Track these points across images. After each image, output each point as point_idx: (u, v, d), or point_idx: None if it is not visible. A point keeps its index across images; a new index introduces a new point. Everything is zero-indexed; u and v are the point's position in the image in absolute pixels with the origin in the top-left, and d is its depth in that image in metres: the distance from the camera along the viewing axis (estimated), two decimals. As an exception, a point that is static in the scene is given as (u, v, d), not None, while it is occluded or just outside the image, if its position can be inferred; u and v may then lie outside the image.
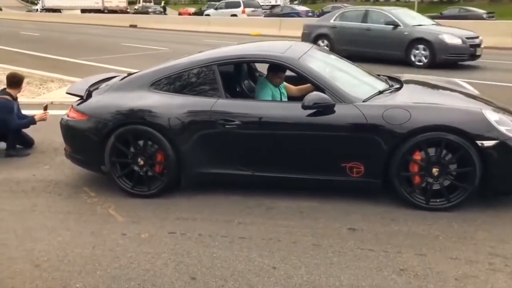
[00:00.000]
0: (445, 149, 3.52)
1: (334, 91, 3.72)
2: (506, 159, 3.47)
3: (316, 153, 3.75)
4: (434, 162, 3.56)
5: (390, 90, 4.15)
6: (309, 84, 4.21)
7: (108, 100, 4.11)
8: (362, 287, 2.74)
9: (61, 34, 24.55)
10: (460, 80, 5.19)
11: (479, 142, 3.42)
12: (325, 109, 3.63)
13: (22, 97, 5.98)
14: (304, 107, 3.63)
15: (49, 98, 8.17)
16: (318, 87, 3.80)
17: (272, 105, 3.98)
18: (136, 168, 4.01)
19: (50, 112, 5.44)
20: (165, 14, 38.34)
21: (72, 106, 4.31)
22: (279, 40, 5.84)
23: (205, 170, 3.93)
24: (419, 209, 3.65)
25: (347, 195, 3.90)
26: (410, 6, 37.13)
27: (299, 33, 19.34)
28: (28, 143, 5.48)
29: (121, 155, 4.01)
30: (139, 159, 3.97)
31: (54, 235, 3.43)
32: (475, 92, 4.73)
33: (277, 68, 4.23)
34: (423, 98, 4.04)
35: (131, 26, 30.41)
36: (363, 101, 3.73)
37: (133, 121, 3.91)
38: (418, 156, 3.58)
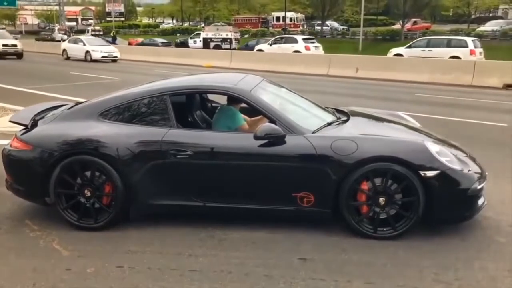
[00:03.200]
0: (391, 179, 3.66)
1: (285, 123, 3.80)
2: (447, 188, 3.64)
3: (268, 183, 3.78)
4: (380, 192, 3.68)
5: (338, 122, 4.28)
6: (261, 116, 4.28)
7: (54, 130, 3.98)
8: (313, 317, 2.75)
9: (7, 62, 23.70)
10: (402, 113, 5.45)
11: (422, 173, 3.58)
12: (276, 140, 3.70)
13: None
14: (256, 138, 3.68)
15: (-11, 127, 7.79)
16: (269, 119, 3.87)
17: (224, 135, 3.99)
18: (82, 199, 3.88)
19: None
20: (115, 44, 38.04)
21: (15, 135, 4.14)
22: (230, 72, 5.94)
23: (156, 202, 3.87)
24: (368, 238, 3.73)
25: (299, 225, 3.94)
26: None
27: (249, 65, 19.76)
28: (-35, 174, 5.18)
29: (67, 187, 3.88)
30: (86, 191, 3.85)
31: (-9, 272, 3.23)
32: (416, 124, 4.99)
33: (232, 99, 4.30)
34: (369, 130, 4.20)
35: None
36: (313, 133, 3.83)
37: (81, 151, 3.81)
38: (365, 186, 3.68)
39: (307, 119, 4.17)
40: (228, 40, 36.04)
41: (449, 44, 21.29)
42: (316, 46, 27.66)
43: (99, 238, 3.78)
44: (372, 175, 3.64)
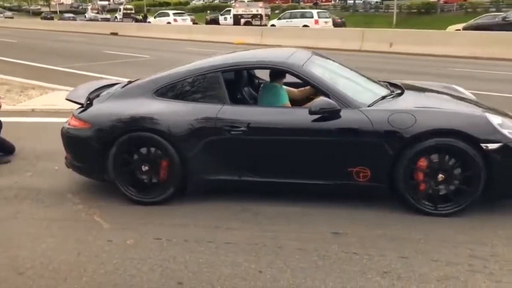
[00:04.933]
0: (450, 153, 3.57)
1: (339, 97, 3.78)
2: (509, 161, 3.52)
3: (322, 158, 3.79)
4: (439, 167, 3.61)
5: (392, 95, 4.21)
6: (309, 87, 4.28)
7: (111, 108, 4.09)
8: (347, 289, 2.79)
9: (41, 41, 24.29)
10: (456, 86, 5.22)
11: (483, 145, 3.47)
12: (331, 114, 3.68)
13: (2, 105, 5.91)
14: (311, 113, 3.68)
15: (30, 105, 8.08)
16: (323, 93, 3.85)
17: (278, 111, 4.00)
18: (140, 175, 4.00)
19: (32, 119, 5.39)
20: (147, 22, 38.33)
21: (73, 114, 4.26)
22: (265, 48, 5.90)
23: (211, 177, 3.94)
24: (403, 214, 3.73)
25: (332, 200, 3.96)
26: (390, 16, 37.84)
27: (281, 41, 19.58)
28: (8, 150, 5.42)
29: (125, 163, 3.99)
30: (143, 167, 3.97)
31: (38, 242, 3.40)
32: (472, 97, 4.80)
33: (279, 74, 4.32)
34: (425, 103, 4.10)
35: (112, 33, 30.25)
36: (368, 106, 3.79)
37: (138, 128, 3.90)
38: (423, 161, 3.62)
39: (360, 93, 4.09)
40: (259, 16, 35.69)
41: (302, 16, 26.87)
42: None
43: (137, 212, 3.92)
44: (431, 149, 3.57)
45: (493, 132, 3.52)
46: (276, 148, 3.83)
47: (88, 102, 4.23)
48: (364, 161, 3.70)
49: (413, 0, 43.32)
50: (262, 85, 4.69)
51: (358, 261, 3.08)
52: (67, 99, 4.49)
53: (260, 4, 38.21)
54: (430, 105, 3.99)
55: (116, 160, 3.96)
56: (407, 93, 4.29)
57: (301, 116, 3.76)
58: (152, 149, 3.93)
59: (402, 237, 3.40)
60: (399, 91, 4.34)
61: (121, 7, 54.61)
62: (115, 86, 4.59)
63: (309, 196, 4.01)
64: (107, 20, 48.43)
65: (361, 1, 50.35)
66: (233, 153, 3.88)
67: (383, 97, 4.10)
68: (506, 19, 20.56)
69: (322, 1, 52.65)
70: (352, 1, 48.85)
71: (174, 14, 37.19)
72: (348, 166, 3.74)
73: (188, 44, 22.32)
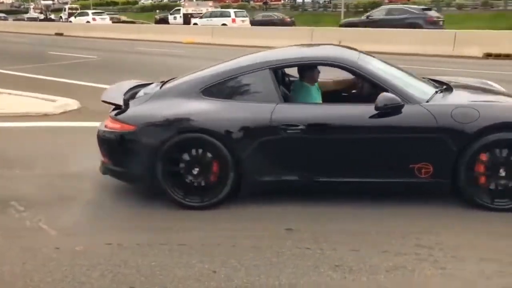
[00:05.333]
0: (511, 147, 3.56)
1: (400, 92, 3.69)
2: None
3: (383, 155, 3.71)
4: (501, 162, 3.58)
5: (442, 91, 4.10)
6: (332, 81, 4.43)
7: (156, 109, 3.90)
8: (300, 285, 2.82)
9: (-21, 42, 23.08)
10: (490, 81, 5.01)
11: None
12: (394, 110, 3.61)
13: None
14: (378, 109, 3.60)
15: (-32, 109, 7.64)
16: (382, 88, 3.73)
17: (337, 108, 3.91)
18: (190, 178, 3.80)
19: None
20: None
21: (111, 116, 4.02)
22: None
23: (266, 178, 3.80)
24: (353, 208, 3.82)
25: (283, 196, 3.99)
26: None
27: (231, 40, 19.56)
28: None
29: (175, 166, 3.80)
30: (194, 169, 3.78)
31: (-21, 253, 3.23)
32: (505, 90, 4.67)
33: (304, 74, 4.28)
34: (480, 98, 4.08)
35: (57, 34, 29.18)
36: (426, 101, 3.74)
37: (189, 129, 3.76)
38: (485, 156, 3.58)
39: (415, 88, 3.96)
40: (209, 16, 35.59)
41: (222, 15, 29.07)
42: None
43: (87, 217, 3.80)
44: (494, 143, 3.54)
45: None
46: (336, 146, 3.75)
47: (125, 103, 4.02)
48: (427, 157, 3.64)
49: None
50: (293, 83, 4.59)
51: (311, 256, 3.12)
52: (103, 101, 4.16)
53: (210, 3, 38.12)
54: (487, 100, 4.01)
55: (166, 163, 3.77)
56: (456, 88, 4.19)
57: (361, 113, 3.70)
58: (202, 151, 3.77)
59: (353, 230, 3.48)
60: (445, 87, 4.25)
61: (66, 6, 52.82)
62: (150, 86, 4.42)
63: (262, 195, 4.02)
64: (51, 20, 46.72)
65: (310, 0, 51.16)
66: (289, 153, 3.77)
67: (436, 93, 4.00)
68: (370, 17, 21.98)
69: (271, 0, 53.05)
70: (301, 0, 49.51)
71: (93, 13, 38.86)
72: (410, 162, 3.66)
73: (137, 44, 21.86)
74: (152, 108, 3.94)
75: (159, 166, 3.75)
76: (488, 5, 37.15)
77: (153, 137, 3.77)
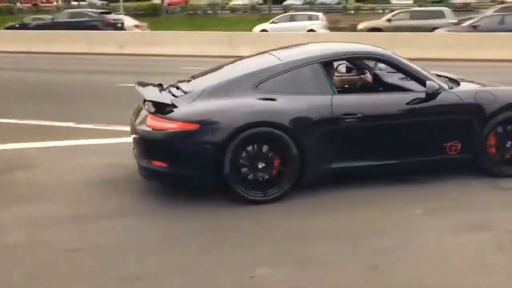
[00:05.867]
0: None
1: (434, 81, 4.20)
2: None
3: (425, 136, 4.23)
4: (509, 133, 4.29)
5: (451, 82, 4.60)
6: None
7: (215, 106, 3.88)
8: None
9: None
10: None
11: None
12: (434, 95, 4.13)
13: None
14: (428, 95, 4.09)
15: None
16: (417, 78, 4.24)
17: (388, 97, 4.28)
18: (257, 173, 3.83)
19: None
20: None
21: (163, 117, 3.82)
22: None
23: (328, 166, 4.00)
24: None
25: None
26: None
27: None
28: None
29: (243, 162, 3.81)
30: (260, 163, 3.81)
31: None
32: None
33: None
34: (485, 86, 4.70)
35: None
36: (449, 89, 4.29)
37: (257, 123, 3.79)
38: (498, 132, 4.29)
39: (436, 78, 4.41)
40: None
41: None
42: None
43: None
44: (505, 120, 4.25)
45: None
46: (387, 132, 4.15)
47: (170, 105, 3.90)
48: (456, 136, 4.21)
49: (140, 3, 44.14)
50: None
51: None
52: (149, 101, 4.00)
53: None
54: (493, 87, 4.67)
55: (233, 160, 3.75)
56: (461, 80, 4.76)
57: (406, 100, 4.17)
58: (268, 144, 3.83)
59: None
60: (450, 79, 4.78)
61: None
62: (192, 84, 4.35)
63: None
64: None
65: (86, 2, 48.56)
66: (348, 141, 4.03)
67: (447, 82, 4.51)
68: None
69: (42, 2, 48.63)
70: (76, 3, 46.60)
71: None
72: (444, 141, 4.20)
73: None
74: (209, 105, 3.90)
75: (227, 162, 3.74)
76: (255, 9, 41.08)
77: (219, 134, 3.73)
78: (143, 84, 4.45)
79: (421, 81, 4.24)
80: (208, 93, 4.02)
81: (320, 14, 25.35)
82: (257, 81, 4.06)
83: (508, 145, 4.37)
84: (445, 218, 3.65)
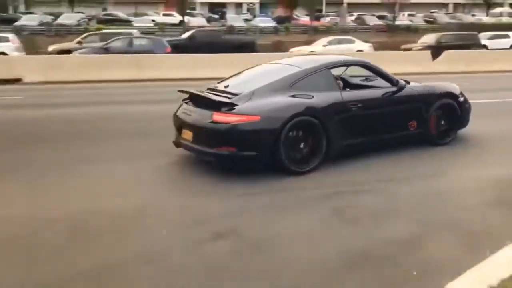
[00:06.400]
0: (444, 108, 6.19)
1: (397, 80, 5.99)
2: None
3: (398, 118, 5.92)
4: (442, 115, 6.21)
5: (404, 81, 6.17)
6: None
7: (269, 102, 5.09)
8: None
9: None
10: None
11: (460, 99, 6.36)
12: (401, 89, 5.90)
13: None
14: (399, 89, 5.86)
15: None
16: (389, 80, 5.93)
17: (376, 92, 5.94)
18: (301, 150, 5.13)
19: None
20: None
21: (226, 112, 4.93)
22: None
23: (344, 142, 5.39)
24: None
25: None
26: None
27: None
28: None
29: (292, 143, 5.04)
30: (302, 143, 5.14)
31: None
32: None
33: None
34: (428, 83, 6.56)
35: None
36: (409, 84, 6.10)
37: (301, 113, 5.05)
38: (436, 113, 6.12)
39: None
40: None
41: None
42: None
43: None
44: (440, 106, 6.14)
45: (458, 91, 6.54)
46: (378, 115, 5.74)
47: (228, 98, 5.16)
48: (414, 117, 5.97)
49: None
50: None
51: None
52: (214, 101, 5.13)
53: None
54: (432, 83, 6.58)
55: (285, 143, 4.94)
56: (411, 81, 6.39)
57: (386, 92, 5.85)
58: (307, 129, 5.13)
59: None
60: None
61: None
62: (231, 87, 5.50)
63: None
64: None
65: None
66: (355, 124, 5.50)
67: (403, 81, 6.12)
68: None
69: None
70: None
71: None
72: (407, 121, 5.94)
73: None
74: (264, 102, 5.08)
75: (280, 144, 4.89)
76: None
77: (274, 123, 4.93)
78: (183, 91, 5.59)
79: (391, 80, 5.97)
80: (258, 94, 5.20)
81: (11, 35, 22.40)
82: (292, 83, 5.36)
83: (441, 123, 6.27)
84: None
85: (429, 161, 5.68)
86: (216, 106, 5.03)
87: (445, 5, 59.23)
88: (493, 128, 7.29)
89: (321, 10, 51.17)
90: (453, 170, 5.56)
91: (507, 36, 30.22)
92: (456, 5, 59.85)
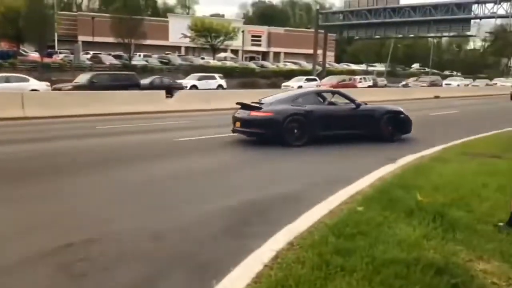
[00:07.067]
0: (392, 119, 11.16)
1: (357, 102, 10.94)
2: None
3: (354, 123, 10.65)
4: (388, 123, 11.04)
5: (363, 103, 11.26)
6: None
7: (279, 107, 10.18)
8: None
9: None
10: None
11: (400, 115, 11.32)
12: (359, 106, 10.83)
13: None
14: (357, 106, 10.75)
15: None
16: (352, 101, 10.88)
17: (341, 106, 11.14)
18: (295, 133, 9.96)
19: None
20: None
21: (257, 111, 10.14)
22: None
23: (321, 133, 10.24)
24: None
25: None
26: None
27: None
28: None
29: (291, 129, 9.92)
30: (296, 129, 9.96)
31: None
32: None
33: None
34: (380, 104, 14.12)
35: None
36: (365, 104, 11.23)
37: (294, 113, 9.93)
38: (388, 122, 10.99)
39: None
40: None
41: None
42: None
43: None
44: (387, 118, 10.99)
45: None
46: (340, 119, 10.62)
47: (261, 106, 10.32)
48: (366, 125, 10.74)
49: None
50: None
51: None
52: (251, 106, 10.39)
53: None
54: (383, 104, 13.72)
55: (286, 128, 9.83)
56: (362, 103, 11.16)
57: (347, 108, 10.93)
58: (298, 121, 10.03)
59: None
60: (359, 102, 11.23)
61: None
62: (264, 100, 10.82)
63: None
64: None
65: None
66: (327, 122, 10.30)
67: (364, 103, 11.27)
68: None
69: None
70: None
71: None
72: (363, 125, 10.74)
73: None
74: (275, 107, 10.19)
75: (284, 128, 9.76)
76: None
77: (280, 117, 9.81)
78: (240, 103, 10.65)
79: (353, 101, 10.90)
80: (273, 103, 10.45)
81: None
82: (291, 100, 10.65)
83: (389, 128, 10.94)
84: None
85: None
86: (252, 108, 10.25)
87: (178, 48, 63.88)
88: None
89: (53, 47, 48.21)
90: (183, 204, 5.63)
91: (213, 78, 35.02)
92: (187, 48, 65.24)
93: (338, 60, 74.14)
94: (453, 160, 7.86)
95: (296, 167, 8.10)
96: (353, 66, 66.52)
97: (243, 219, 4.95)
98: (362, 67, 66.79)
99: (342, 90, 13.98)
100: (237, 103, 10.67)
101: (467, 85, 50.59)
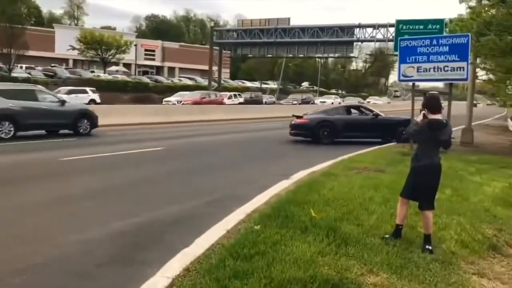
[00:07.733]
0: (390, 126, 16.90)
1: (378, 113, 16.70)
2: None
3: (371, 129, 15.94)
4: (402, 130, 13.35)
5: (375, 113, 16.55)
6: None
7: (314, 116, 16.25)
8: None
9: None
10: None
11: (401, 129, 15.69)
12: (378, 116, 16.26)
13: None
14: (376, 116, 16.19)
15: None
16: (372, 111, 16.65)
17: (363, 116, 16.66)
18: (324, 133, 15.49)
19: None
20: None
21: (301, 119, 15.99)
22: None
23: (343, 134, 15.55)
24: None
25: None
26: None
27: None
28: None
29: (323, 130, 15.48)
30: (322, 130, 15.49)
31: None
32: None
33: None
34: (385, 114, 18.36)
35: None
36: (383, 114, 16.91)
37: (323, 120, 15.80)
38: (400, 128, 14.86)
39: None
40: None
41: None
42: None
43: None
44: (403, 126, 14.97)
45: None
46: (361, 126, 16.03)
47: (302, 116, 16.33)
48: (379, 130, 15.83)
49: None
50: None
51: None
52: (302, 116, 16.25)
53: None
54: (392, 115, 19.31)
55: (318, 129, 15.43)
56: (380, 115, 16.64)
57: (368, 117, 16.35)
58: (327, 125, 15.56)
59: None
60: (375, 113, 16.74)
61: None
62: (307, 112, 17.30)
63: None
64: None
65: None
66: (349, 127, 15.68)
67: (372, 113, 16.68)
68: None
69: None
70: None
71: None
72: (376, 133, 15.88)
73: None
74: (311, 116, 16.33)
75: (317, 130, 15.52)
76: None
77: (314, 123, 15.63)
78: (296, 115, 16.46)
79: (373, 112, 16.38)
80: (312, 114, 16.82)
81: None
82: (324, 110, 17.72)
83: (390, 133, 15.69)
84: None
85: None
86: (298, 117, 16.16)
87: (65, 60, 60.22)
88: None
89: None
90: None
91: (85, 92, 32.75)
92: (76, 61, 61.73)
93: (233, 77, 75.42)
94: (341, 175, 8.26)
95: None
96: (248, 83, 68.14)
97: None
98: (256, 84, 68.65)
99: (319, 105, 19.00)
100: (293, 115, 16.72)
101: (340, 103, 53.57)
